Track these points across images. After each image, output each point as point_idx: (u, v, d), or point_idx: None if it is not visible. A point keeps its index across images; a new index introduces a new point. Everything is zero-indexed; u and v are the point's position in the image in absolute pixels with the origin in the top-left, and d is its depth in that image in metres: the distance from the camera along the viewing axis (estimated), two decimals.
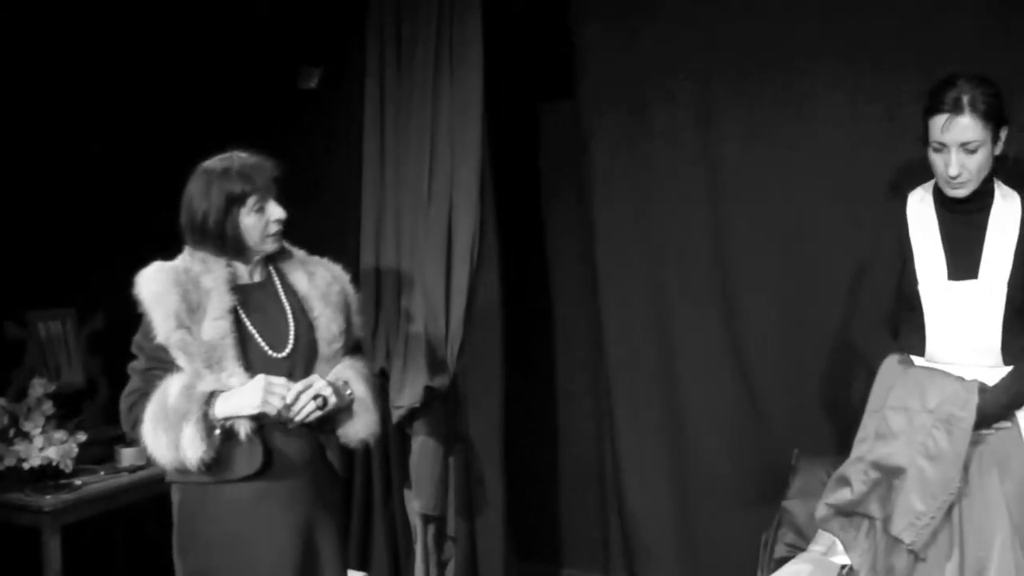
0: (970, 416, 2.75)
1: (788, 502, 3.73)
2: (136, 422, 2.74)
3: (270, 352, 2.80)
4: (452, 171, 3.88)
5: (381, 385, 3.94)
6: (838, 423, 3.78)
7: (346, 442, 2.93)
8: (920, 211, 2.97)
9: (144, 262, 2.77)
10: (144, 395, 2.73)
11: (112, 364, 3.35)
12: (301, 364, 2.84)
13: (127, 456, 3.88)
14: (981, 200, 2.90)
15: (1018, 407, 2.85)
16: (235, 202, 2.76)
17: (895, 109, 3.61)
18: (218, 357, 2.72)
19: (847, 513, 2.94)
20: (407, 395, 3.90)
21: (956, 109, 2.78)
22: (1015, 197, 2.93)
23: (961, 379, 2.83)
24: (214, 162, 2.80)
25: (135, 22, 4.25)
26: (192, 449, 2.67)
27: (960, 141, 2.80)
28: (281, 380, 2.73)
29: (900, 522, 2.78)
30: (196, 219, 2.77)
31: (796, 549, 3.65)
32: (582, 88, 4.10)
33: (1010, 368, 2.87)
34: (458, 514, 4.09)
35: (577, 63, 4.08)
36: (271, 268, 2.91)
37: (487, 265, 3.98)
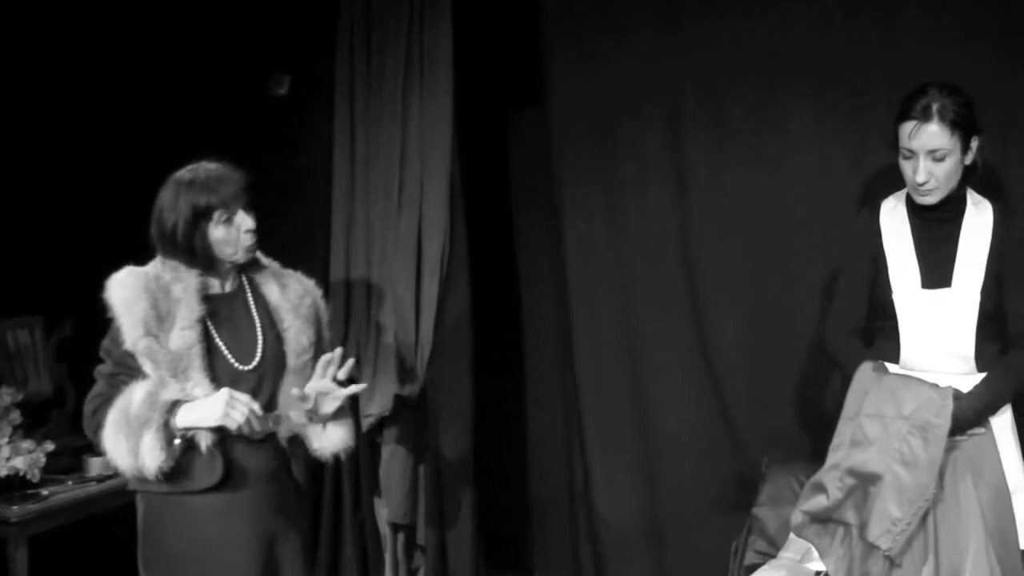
0: (945, 423, 2.79)
1: (758, 509, 3.75)
2: (98, 427, 2.74)
3: (236, 364, 2.81)
4: (422, 181, 3.89)
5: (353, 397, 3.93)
6: (808, 431, 3.81)
7: (319, 455, 2.96)
8: (893, 220, 3.02)
9: (113, 269, 2.76)
10: (108, 400, 2.74)
11: (80, 372, 3.33)
12: (269, 376, 2.86)
13: (95, 466, 3.85)
14: (953, 208, 2.95)
15: (992, 413, 2.90)
16: (201, 215, 2.76)
17: (865, 119, 3.65)
18: (184, 367, 2.72)
19: (822, 520, 2.97)
20: (377, 403, 3.91)
21: (925, 116, 2.83)
22: (987, 206, 2.97)
23: (936, 386, 2.87)
24: (182, 173, 2.80)
25: (105, 28, 4.23)
26: (151, 457, 2.68)
27: (928, 148, 2.84)
28: (245, 397, 2.73)
29: (877, 528, 2.81)
30: (166, 231, 2.77)
31: (766, 556, 3.68)
32: (552, 100, 4.12)
33: (983, 375, 2.91)
34: (428, 523, 4.10)
35: (547, 75, 4.10)
36: (243, 278, 2.92)
37: (457, 274, 4.00)
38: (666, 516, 4.10)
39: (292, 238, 3.64)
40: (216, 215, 2.77)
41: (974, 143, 2.90)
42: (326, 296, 3.07)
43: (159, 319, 2.72)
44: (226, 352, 2.81)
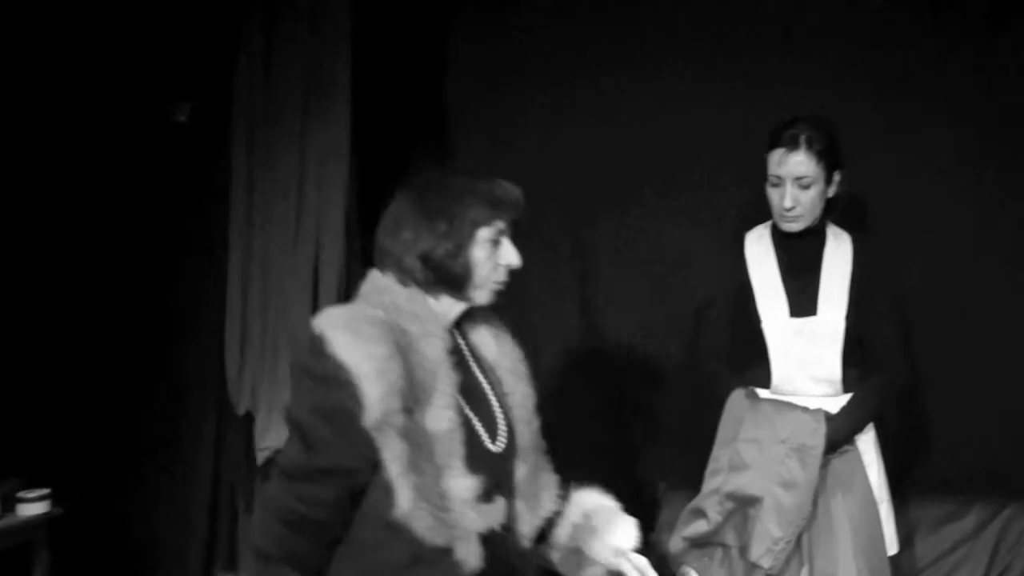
0: (820, 444, 2.99)
1: (655, 535, 3.84)
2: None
3: (490, 445, 2.22)
4: (319, 211, 3.97)
5: (247, 428, 3.98)
6: (704, 456, 3.94)
7: None
8: (758, 250, 3.20)
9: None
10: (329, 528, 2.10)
11: None
12: (513, 459, 2.27)
13: None
14: (815, 239, 3.14)
15: (859, 432, 3.13)
16: (476, 227, 2.20)
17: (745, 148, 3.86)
18: (444, 455, 2.08)
19: (701, 544, 3.09)
20: (272, 436, 3.96)
21: (793, 145, 3.02)
22: (846, 237, 3.18)
23: (807, 409, 3.03)
24: (450, 177, 2.28)
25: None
26: None
27: (795, 175, 3.03)
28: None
29: (759, 548, 2.96)
30: (415, 248, 2.19)
31: None
32: (451, 129, 4.29)
33: (848, 396, 3.08)
34: None
35: (447, 105, 4.27)
36: (453, 327, 2.32)
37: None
38: None
39: (188, 266, 3.65)
40: (491, 231, 2.23)
41: (836, 176, 3.10)
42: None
43: (414, 388, 2.08)
44: (480, 429, 2.21)
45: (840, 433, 3.05)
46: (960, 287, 3.85)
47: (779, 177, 3.06)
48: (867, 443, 3.17)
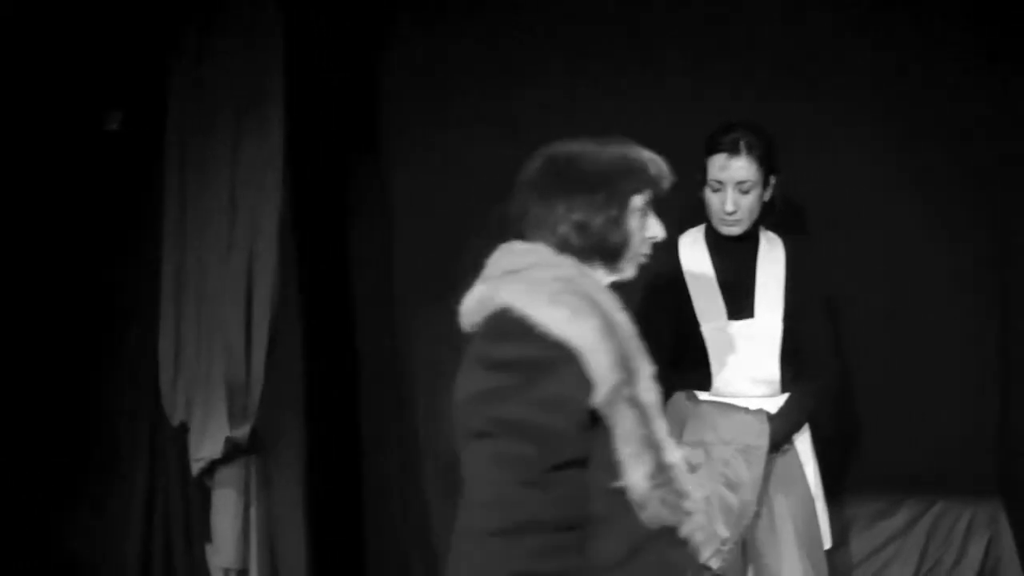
0: (765, 444, 3.07)
1: None
2: None
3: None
4: (253, 220, 3.95)
5: (182, 439, 3.94)
6: None
7: None
8: (692, 254, 3.26)
9: None
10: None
11: None
12: None
13: None
14: (749, 242, 3.23)
15: (798, 431, 3.18)
16: (631, 196, 2.07)
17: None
18: (659, 427, 1.95)
19: None
20: (207, 447, 3.92)
21: (734, 150, 3.09)
22: (778, 240, 3.28)
23: (748, 410, 3.11)
24: (598, 144, 2.12)
25: None
26: None
27: (736, 180, 3.10)
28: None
29: (707, 550, 3.01)
30: (570, 217, 2.03)
31: None
32: (387, 139, 4.30)
33: (785, 395, 3.16)
34: (261, 568, 4.08)
35: (384, 114, 4.27)
36: None
37: (289, 313, 4.05)
38: None
39: (121, 272, 3.61)
40: (638, 202, 2.10)
41: (772, 180, 3.17)
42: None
43: (626, 359, 1.93)
44: None
45: (781, 432, 3.13)
46: (891, 289, 3.98)
47: (720, 182, 3.13)
48: (803, 441, 3.26)
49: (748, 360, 3.19)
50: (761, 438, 3.05)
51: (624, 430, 1.86)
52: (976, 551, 3.78)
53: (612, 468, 1.85)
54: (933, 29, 3.98)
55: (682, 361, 3.25)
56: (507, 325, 1.89)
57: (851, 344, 3.67)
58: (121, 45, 4.04)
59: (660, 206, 3.83)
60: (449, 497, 4.13)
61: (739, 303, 3.21)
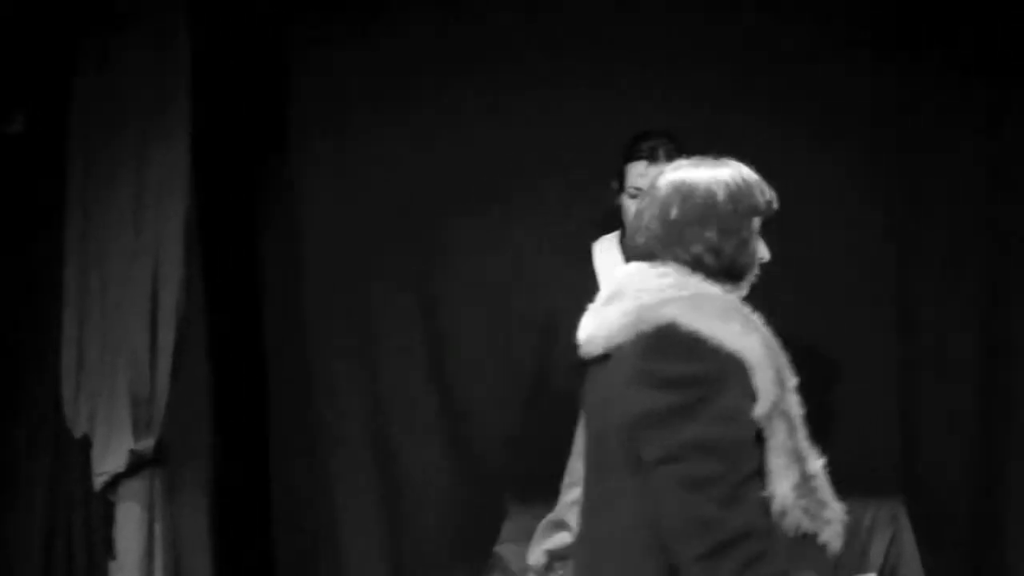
0: None
1: (500, 547, 3.88)
2: None
3: None
4: (158, 227, 3.88)
5: (85, 452, 3.85)
6: (547, 467, 4.00)
7: None
8: (607, 260, 3.30)
9: None
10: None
11: None
12: None
13: None
14: None
15: None
16: (753, 218, 2.08)
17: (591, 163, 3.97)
18: (803, 437, 1.98)
19: (564, 556, 3.13)
20: (111, 460, 3.83)
21: (654, 157, 3.13)
22: None
23: None
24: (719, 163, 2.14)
25: None
26: None
27: None
28: None
29: None
30: (704, 237, 2.04)
31: None
32: (296, 142, 4.28)
33: None
34: None
35: (293, 118, 4.26)
36: None
37: (195, 321, 3.98)
38: (411, 563, 4.23)
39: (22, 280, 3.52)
40: (756, 224, 2.10)
41: None
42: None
43: (779, 372, 1.98)
44: None
45: None
46: (793, 295, 4.05)
47: (639, 189, 3.17)
48: None
49: None
50: None
51: (777, 442, 1.89)
52: (879, 548, 3.88)
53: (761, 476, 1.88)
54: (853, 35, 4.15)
55: None
56: (676, 341, 1.89)
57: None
58: (24, 46, 3.96)
59: (576, 215, 3.96)
60: (352, 498, 4.21)
61: None
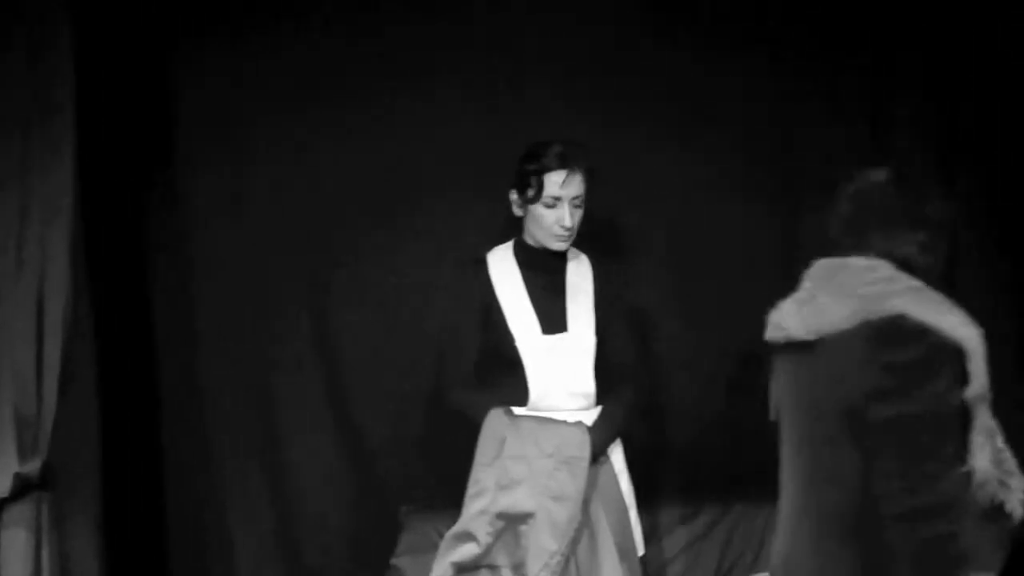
0: (586, 455, 3.16)
1: (397, 559, 3.88)
2: None
3: None
4: (43, 239, 3.77)
5: None
6: (444, 478, 4.00)
7: None
8: (503, 270, 3.34)
9: None
10: None
11: None
12: None
13: None
14: (558, 259, 3.33)
15: (614, 441, 3.26)
16: None
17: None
18: None
19: (470, 568, 3.14)
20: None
21: (569, 167, 3.14)
22: (584, 257, 3.42)
23: (567, 423, 3.17)
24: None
25: None
26: None
27: (572, 195, 3.21)
28: None
29: (535, 564, 3.06)
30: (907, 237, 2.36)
31: None
32: (185, 152, 4.23)
33: (599, 407, 3.26)
34: None
35: (180, 127, 4.22)
36: None
37: (82, 337, 3.88)
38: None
39: None
40: None
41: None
42: None
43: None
44: None
45: (599, 444, 3.24)
46: (691, 304, 4.18)
47: (557, 198, 3.21)
48: (617, 453, 3.37)
49: (564, 374, 3.28)
50: (583, 449, 3.13)
51: (980, 421, 2.19)
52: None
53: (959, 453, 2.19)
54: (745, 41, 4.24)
55: (497, 377, 3.31)
56: (906, 330, 2.16)
57: (657, 359, 3.90)
58: None
59: (469, 224, 3.98)
60: (245, 510, 4.16)
61: (552, 317, 3.30)
